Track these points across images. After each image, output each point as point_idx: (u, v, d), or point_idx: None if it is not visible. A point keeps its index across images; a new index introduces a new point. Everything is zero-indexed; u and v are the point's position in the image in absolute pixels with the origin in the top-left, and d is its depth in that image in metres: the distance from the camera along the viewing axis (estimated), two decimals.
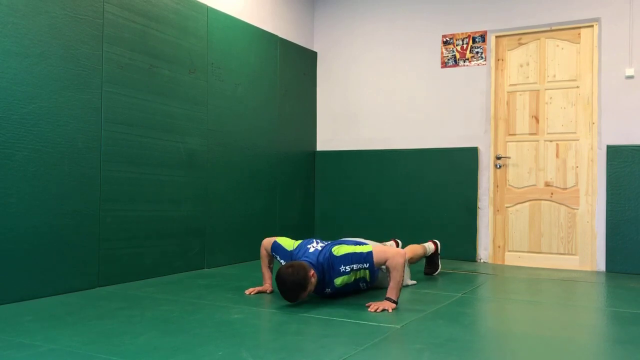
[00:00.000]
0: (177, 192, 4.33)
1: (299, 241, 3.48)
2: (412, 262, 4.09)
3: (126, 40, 3.90)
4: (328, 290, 3.31)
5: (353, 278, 3.30)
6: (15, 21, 3.21)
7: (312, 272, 3.12)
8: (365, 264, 3.19)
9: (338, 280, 3.25)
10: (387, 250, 3.19)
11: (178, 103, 4.34)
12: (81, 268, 3.57)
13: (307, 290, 3.09)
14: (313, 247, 3.34)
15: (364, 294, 3.50)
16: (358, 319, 2.86)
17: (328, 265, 3.22)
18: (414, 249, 4.14)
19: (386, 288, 3.20)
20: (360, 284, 3.46)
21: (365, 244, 3.49)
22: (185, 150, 4.41)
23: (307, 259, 3.22)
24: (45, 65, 3.37)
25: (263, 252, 3.60)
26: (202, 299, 3.33)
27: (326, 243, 3.40)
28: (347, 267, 3.20)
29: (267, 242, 3.58)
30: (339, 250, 3.24)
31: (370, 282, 3.51)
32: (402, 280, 3.17)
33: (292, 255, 3.37)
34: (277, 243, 3.51)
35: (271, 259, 3.61)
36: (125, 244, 3.88)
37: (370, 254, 3.17)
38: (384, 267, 3.27)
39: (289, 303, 3.20)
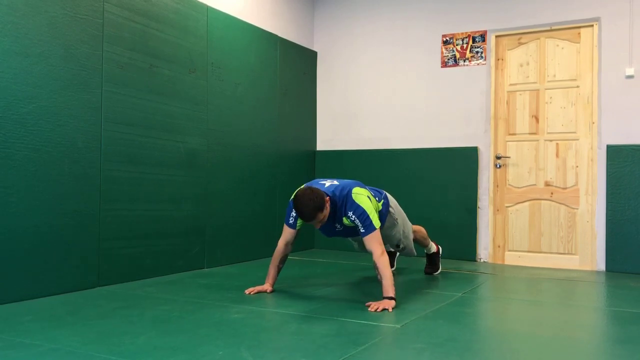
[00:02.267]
0: (177, 191, 4.33)
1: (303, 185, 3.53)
2: (414, 237, 4.17)
3: (126, 39, 3.90)
4: (338, 226, 3.41)
5: (353, 225, 3.37)
6: (15, 21, 3.21)
7: (327, 197, 3.21)
8: (362, 229, 3.26)
9: (345, 221, 3.35)
10: (380, 245, 3.23)
11: (178, 103, 4.34)
12: (81, 268, 3.57)
13: (322, 211, 3.17)
14: (328, 182, 3.41)
15: (364, 294, 3.50)
16: (358, 318, 2.86)
17: (341, 202, 3.30)
18: (421, 228, 4.29)
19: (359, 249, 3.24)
20: (358, 231, 3.45)
21: (382, 192, 3.70)
22: (185, 150, 4.41)
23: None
24: (45, 64, 3.37)
25: (277, 250, 3.56)
26: (202, 299, 3.33)
27: (344, 180, 3.46)
28: (352, 216, 3.28)
29: (282, 234, 3.53)
30: (358, 197, 3.29)
31: (362, 235, 3.42)
32: (392, 275, 3.20)
33: None
34: (288, 210, 3.49)
35: (283, 259, 3.58)
36: (125, 243, 3.88)
37: (372, 229, 3.24)
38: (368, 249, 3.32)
39: (291, 303, 3.19)
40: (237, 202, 4.97)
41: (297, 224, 3.49)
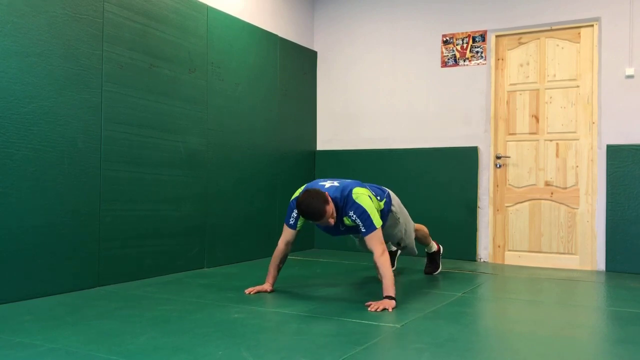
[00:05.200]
0: (177, 191, 4.33)
1: (303, 186, 3.53)
2: (416, 235, 4.16)
3: (126, 39, 3.90)
4: (341, 226, 3.41)
5: (354, 225, 3.37)
6: (15, 20, 3.20)
7: (330, 206, 3.19)
8: (363, 228, 3.26)
9: (346, 221, 3.36)
10: (381, 244, 3.23)
11: (178, 102, 4.34)
12: (81, 268, 3.57)
13: (323, 217, 3.17)
14: (328, 183, 3.41)
15: (364, 294, 3.50)
16: (358, 318, 2.86)
17: (342, 203, 3.30)
18: (422, 227, 4.27)
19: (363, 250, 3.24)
20: (359, 230, 3.44)
21: (385, 191, 3.70)
22: (185, 150, 4.40)
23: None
24: (45, 64, 3.36)
25: (277, 249, 3.55)
26: (202, 299, 3.33)
27: (342, 180, 3.45)
28: (354, 216, 3.28)
29: (282, 234, 3.53)
30: (359, 197, 3.29)
31: (363, 234, 3.42)
32: (392, 275, 3.20)
33: None
34: (289, 211, 3.48)
35: (283, 259, 3.58)
36: (125, 243, 3.88)
37: (373, 229, 3.24)
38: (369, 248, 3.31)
39: (291, 303, 3.20)
40: (237, 202, 4.97)
41: (298, 225, 3.49)
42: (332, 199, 3.27)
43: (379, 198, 3.58)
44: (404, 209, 3.99)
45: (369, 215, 3.25)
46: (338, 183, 3.42)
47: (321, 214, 3.17)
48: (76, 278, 3.53)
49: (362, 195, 3.31)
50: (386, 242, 3.54)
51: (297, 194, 3.50)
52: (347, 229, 3.46)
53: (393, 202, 3.80)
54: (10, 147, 3.17)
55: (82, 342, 2.38)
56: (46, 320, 2.76)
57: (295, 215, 3.45)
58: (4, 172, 3.14)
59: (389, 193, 3.79)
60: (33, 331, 2.56)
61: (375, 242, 3.23)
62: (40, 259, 3.32)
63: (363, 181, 3.60)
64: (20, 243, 3.21)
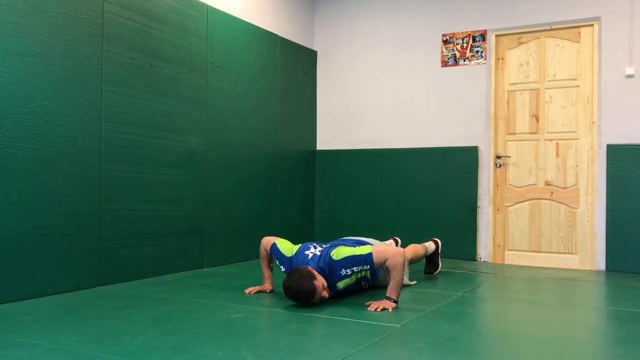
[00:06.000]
0: (177, 191, 4.33)
1: (298, 246, 3.42)
2: (412, 262, 4.07)
3: (126, 39, 3.90)
4: (330, 293, 3.27)
5: (355, 279, 3.29)
6: (15, 20, 3.20)
7: (318, 281, 3.05)
8: (365, 266, 3.17)
9: (341, 284, 3.24)
10: (386, 250, 3.17)
11: (178, 102, 4.34)
12: (81, 267, 3.57)
13: (315, 297, 3.05)
14: (311, 252, 3.28)
15: (364, 294, 3.50)
16: (358, 318, 2.86)
17: (329, 270, 3.18)
18: (415, 249, 4.12)
19: (387, 287, 3.19)
20: (362, 283, 3.46)
21: (365, 243, 3.47)
22: (185, 150, 4.40)
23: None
24: (45, 64, 3.36)
25: (262, 252, 3.57)
26: (202, 299, 3.33)
27: (324, 246, 3.35)
28: (347, 271, 3.18)
29: (267, 242, 3.54)
30: (338, 253, 3.19)
31: (372, 280, 3.50)
32: (402, 280, 3.16)
33: (291, 262, 3.32)
34: (276, 247, 3.44)
35: (271, 258, 3.59)
36: (125, 243, 3.88)
37: (370, 255, 3.14)
38: (384, 266, 3.26)
39: (291, 302, 3.20)
40: (237, 201, 4.97)
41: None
42: (318, 271, 3.15)
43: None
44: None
45: (357, 255, 3.14)
46: (319, 250, 3.29)
47: (312, 293, 3.02)
48: (76, 278, 3.53)
49: (340, 250, 3.21)
50: (384, 285, 3.42)
51: (286, 249, 3.39)
52: (338, 293, 3.31)
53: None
54: (11, 147, 3.17)
55: (82, 342, 2.38)
56: (46, 320, 2.76)
57: (278, 264, 3.42)
58: (4, 172, 3.14)
59: (371, 244, 3.54)
60: (33, 331, 2.56)
61: (382, 255, 3.12)
62: (40, 258, 3.32)
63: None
64: (20, 243, 3.21)
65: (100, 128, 3.71)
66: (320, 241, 5.92)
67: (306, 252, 3.30)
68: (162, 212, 4.19)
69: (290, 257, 3.35)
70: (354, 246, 3.31)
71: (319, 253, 3.27)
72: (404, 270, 3.16)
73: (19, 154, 3.22)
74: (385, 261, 3.12)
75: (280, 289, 3.61)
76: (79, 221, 3.55)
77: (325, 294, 3.10)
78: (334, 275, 3.20)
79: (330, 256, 3.19)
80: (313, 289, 3.02)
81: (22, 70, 3.23)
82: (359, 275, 3.30)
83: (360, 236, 3.88)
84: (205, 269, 4.57)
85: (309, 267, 3.14)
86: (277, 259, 3.45)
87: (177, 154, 4.33)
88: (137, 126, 3.98)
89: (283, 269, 3.39)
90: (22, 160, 3.23)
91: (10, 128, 3.17)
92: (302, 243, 3.46)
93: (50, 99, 3.39)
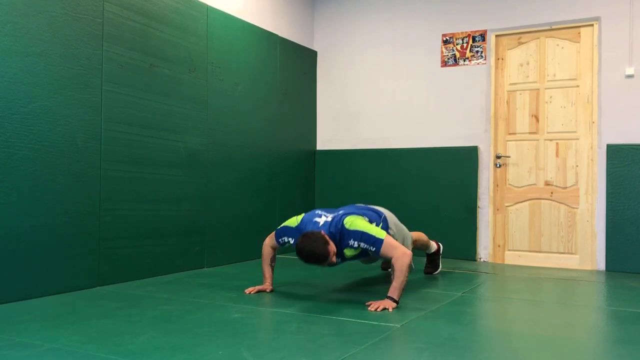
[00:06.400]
0: (177, 191, 4.33)
1: (301, 215, 3.45)
2: (415, 246, 4.09)
3: (126, 39, 3.90)
4: (339, 260, 3.31)
5: (360, 250, 3.31)
6: (15, 20, 3.20)
7: (331, 246, 3.11)
8: (372, 247, 3.19)
9: (347, 252, 3.28)
10: (396, 248, 3.16)
11: (178, 102, 4.34)
12: (81, 267, 3.57)
13: (327, 261, 3.10)
14: (322, 220, 3.30)
15: (364, 294, 3.49)
16: (358, 318, 2.86)
17: (339, 235, 3.22)
18: (421, 235, 4.18)
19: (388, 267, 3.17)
20: (369, 252, 3.38)
21: (379, 213, 3.56)
22: (185, 150, 4.40)
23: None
24: (45, 64, 3.36)
25: (266, 251, 3.57)
26: (202, 299, 3.33)
27: (335, 212, 3.38)
28: (355, 243, 3.21)
29: (269, 239, 3.56)
30: (352, 223, 3.22)
31: (376, 252, 3.44)
32: (406, 281, 3.15)
33: (300, 231, 3.33)
34: (280, 228, 3.48)
35: (273, 258, 3.59)
36: (125, 243, 3.88)
37: (380, 242, 3.16)
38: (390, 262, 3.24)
39: (291, 302, 3.19)
40: (237, 201, 4.97)
41: (285, 245, 3.51)
42: (329, 236, 3.18)
43: (374, 224, 3.44)
44: (401, 225, 3.87)
45: (370, 235, 3.18)
46: (331, 217, 3.31)
47: (325, 257, 3.08)
48: (76, 278, 3.53)
49: (355, 220, 3.24)
50: (383, 262, 3.47)
51: (290, 222, 3.45)
52: (345, 260, 3.37)
53: (390, 224, 3.67)
54: (11, 147, 3.17)
55: (82, 342, 2.38)
56: (46, 320, 2.76)
57: (286, 239, 3.44)
58: (4, 172, 3.14)
59: (385, 217, 3.65)
60: (33, 331, 2.56)
61: (390, 250, 3.15)
62: (40, 258, 3.32)
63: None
64: (20, 243, 3.21)
65: (100, 128, 3.71)
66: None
67: (316, 220, 3.32)
68: (162, 212, 4.19)
69: (297, 227, 3.38)
70: (370, 217, 3.37)
71: (330, 219, 3.29)
72: (408, 272, 3.15)
73: (19, 154, 3.22)
74: (391, 258, 3.14)
75: (281, 289, 3.62)
76: (79, 221, 3.55)
77: (334, 259, 3.16)
78: (343, 242, 3.23)
79: (343, 223, 3.23)
80: (326, 253, 3.08)
81: (22, 70, 3.23)
82: (365, 248, 3.30)
83: (375, 206, 3.83)
84: (205, 269, 4.57)
85: (322, 232, 3.17)
86: (286, 237, 3.44)
87: (177, 154, 4.33)
88: (137, 126, 3.98)
89: (292, 241, 3.40)
90: (22, 160, 3.23)
91: (10, 128, 3.17)
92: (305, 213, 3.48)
93: (50, 99, 3.39)
